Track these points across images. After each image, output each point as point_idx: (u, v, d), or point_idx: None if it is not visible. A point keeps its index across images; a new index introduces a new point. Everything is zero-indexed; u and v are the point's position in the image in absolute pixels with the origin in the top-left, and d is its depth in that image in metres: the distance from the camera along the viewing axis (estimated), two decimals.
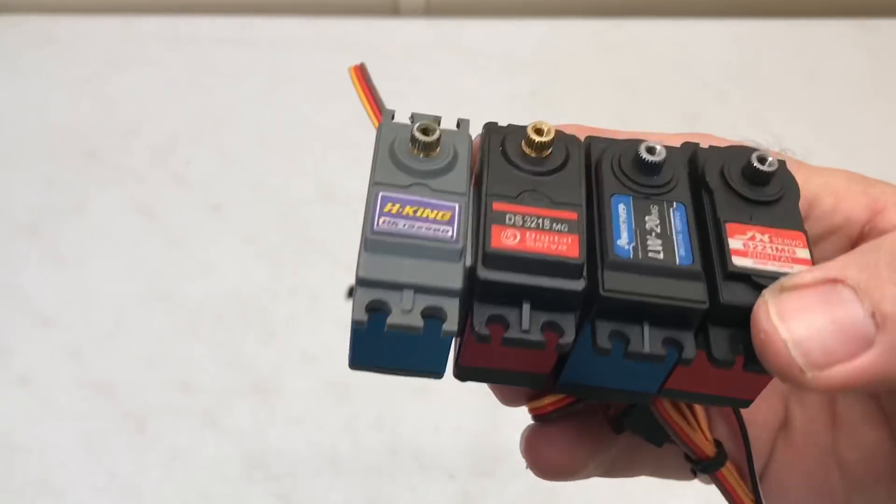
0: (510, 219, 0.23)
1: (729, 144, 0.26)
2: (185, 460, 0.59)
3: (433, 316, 0.22)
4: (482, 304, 0.22)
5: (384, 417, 0.60)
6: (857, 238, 0.27)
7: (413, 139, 0.25)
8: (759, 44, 0.79)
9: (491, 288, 0.22)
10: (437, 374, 0.24)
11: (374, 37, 0.77)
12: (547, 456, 0.27)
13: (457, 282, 0.22)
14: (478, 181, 0.25)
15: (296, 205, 0.69)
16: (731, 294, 0.22)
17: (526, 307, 0.22)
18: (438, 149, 0.25)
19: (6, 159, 0.71)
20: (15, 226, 0.68)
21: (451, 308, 0.22)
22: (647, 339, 0.22)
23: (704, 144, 0.26)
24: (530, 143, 0.25)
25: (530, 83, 0.76)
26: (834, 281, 0.20)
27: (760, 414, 0.29)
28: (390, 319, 0.22)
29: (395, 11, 0.81)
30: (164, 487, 0.58)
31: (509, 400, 0.29)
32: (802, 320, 0.20)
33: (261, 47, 0.77)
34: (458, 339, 0.25)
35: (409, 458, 0.59)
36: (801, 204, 0.25)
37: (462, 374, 0.25)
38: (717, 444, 0.28)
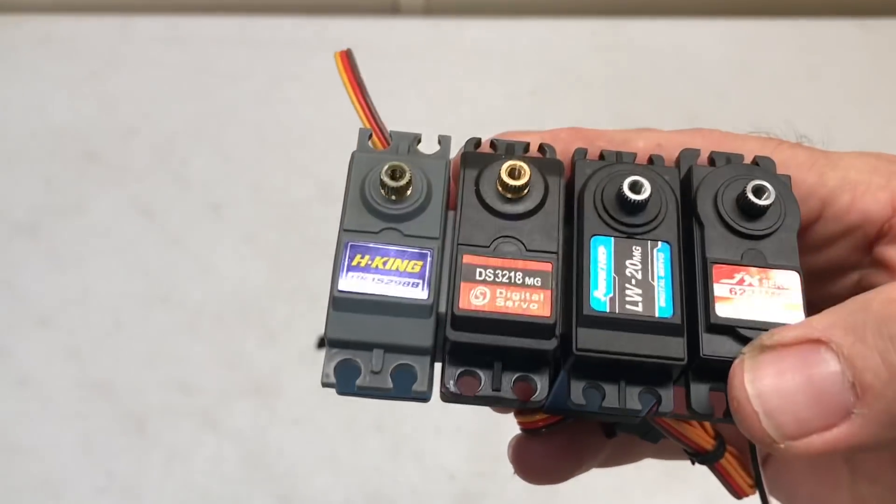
0: (480, 273, 0.22)
1: (737, 138, 0.25)
2: (185, 460, 0.59)
3: (404, 373, 0.22)
4: (453, 362, 0.22)
5: (384, 417, 0.60)
6: (876, 236, 0.26)
7: (382, 184, 0.24)
8: (759, 44, 0.79)
9: (461, 348, 0.22)
10: (424, 399, 0.24)
11: (374, 37, 0.77)
12: (535, 464, 0.27)
13: (427, 340, 0.22)
14: (454, 206, 0.24)
15: (296, 205, 0.69)
16: (713, 347, 0.22)
17: (497, 366, 0.22)
18: (409, 191, 0.24)
19: (6, 159, 0.71)
20: (15, 226, 0.68)
21: (422, 367, 0.22)
22: (624, 396, 0.22)
23: (708, 143, 0.26)
24: (504, 186, 0.24)
25: (530, 83, 0.76)
26: (817, 342, 0.19)
27: None
28: (359, 381, 0.22)
29: (395, 11, 0.81)
30: (164, 487, 0.58)
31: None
32: (777, 388, 0.19)
33: (261, 47, 0.77)
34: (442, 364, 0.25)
35: (409, 458, 0.59)
36: (815, 203, 0.24)
37: (447, 397, 0.24)
38: (717, 435, 0.28)
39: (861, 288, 0.28)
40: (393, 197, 0.24)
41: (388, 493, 0.58)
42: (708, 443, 0.27)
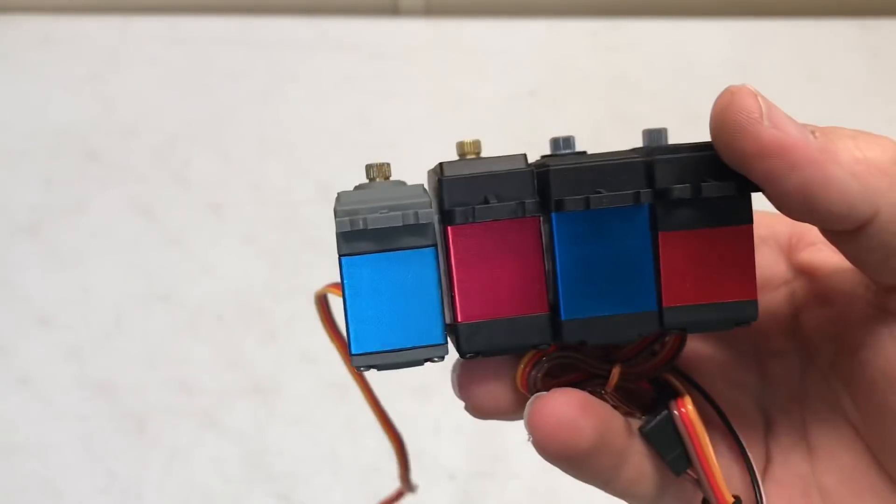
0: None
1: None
2: (185, 460, 0.59)
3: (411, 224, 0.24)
4: (450, 199, 0.24)
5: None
6: (789, 248, 0.29)
7: None
8: (759, 44, 0.79)
9: (454, 184, 0.25)
10: (438, 345, 0.25)
11: (374, 37, 0.77)
12: (550, 424, 0.25)
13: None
14: None
15: (296, 205, 0.69)
16: (663, 154, 0.25)
17: (491, 193, 0.25)
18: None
19: (6, 159, 0.71)
20: (15, 226, 0.68)
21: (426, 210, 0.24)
22: (607, 195, 0.24)
23: None
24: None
25: (530, 83, 0.76)
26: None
27: (752, 454, 0.28)
28: (371, 216, 0.23)
29: (395, 11, 0.81)
30: (164, 487, 0.58)
31: (484, 407, 0.28)
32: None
33: (261, 47, 0.77)
34: (449, 297, 0.25)
35: (409, 458, 0.59)
36: None
37: (467, 340, 0.25)
38: (736, 498, 0.27)
39: (795, 300, 0.29)
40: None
41: (388, 493, 0.58)
42: (729, 496, 0.27)
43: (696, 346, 0.30)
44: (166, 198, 0.69)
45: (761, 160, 0.23)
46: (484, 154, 0.27)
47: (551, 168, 0.25)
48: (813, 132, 0.23)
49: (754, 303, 0.25)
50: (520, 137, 0.73)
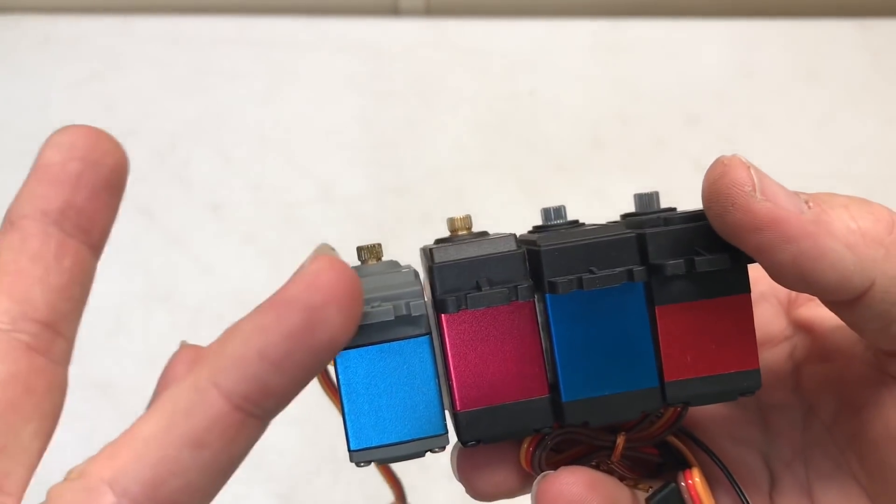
0: (447, 242, 0.26)
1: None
2: None
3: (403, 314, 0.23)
4: (442, 286, 0.24)
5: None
6: (788, 305, 0.29)
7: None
8: (759, 44, 0.79)
9: (444, 270, 0.24)
10: (439, 435, 0.24)
11: (374, 37, 0.77)
12: (561, 491, 0.25)
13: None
14: None
15: (296, 205, 0.69)
16: (652, 228, 0.25)
17: (483, 279, 0.24)
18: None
19: (6, 159, 0.71)
20: None
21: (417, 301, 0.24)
22: (598, 272, 0.24)
23: None
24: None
25: (530, 83, 0.76)
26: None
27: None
28: (366, 309, 0.23)
29: (395, 11, 0.81)
30: None
31: (485, 492, 0.28)
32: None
33: (261, 47, 0.77)
34: (447, 384, 0.25)
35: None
36: None
37: (467, 429, 0.25)
38: None
39: (796, 356, 0.29)
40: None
41: (388, 493, 0.58)
42: None
43: None
44: (166, 198, 0.69)
45: (754, 234, 0.22)
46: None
47: (542, 249, 0.24)
48: (806, 202, 0.23)
49: (757, 372, 0.25)
50: (520, 137, 0.73)
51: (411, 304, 0.23)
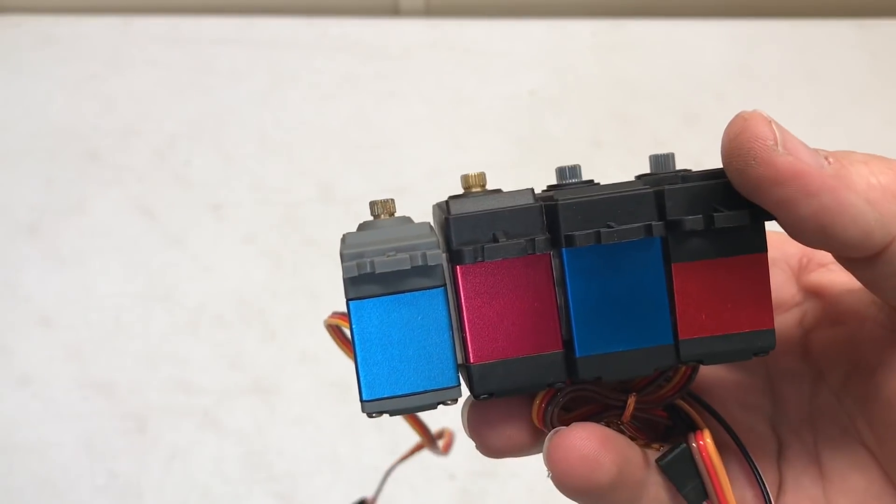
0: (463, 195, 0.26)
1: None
2: (185, 460, 0.59)
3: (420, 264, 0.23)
4: (458, 237, 0.24)
5: (384, 417, 0.60)
6: (799, 269, 0.29)
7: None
8: (759, 44, 0.79)
9: (461, 222, 0.24)
10: (451, 387, 0.24)
11: (374, 37, 0.77)
12: (571, 459, 0.25)
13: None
14: None
15: (296, 205, 0.69)
16: (673, 184, 0.25)
17: (499, 230, 0.24)
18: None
19: (6, 159, 0.71)
20: (15, 226, 0.68)
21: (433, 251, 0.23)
22: (615, 226, 0.23)
23: None
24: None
25: (530, 83, 0.76)
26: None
27: (766, 478, 0.28)
28: (378, 260, 0.23)
29: (395, 11, 0.81)
30: (165, 487, 0.58)
31: (496, 447, 0.27)
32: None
33: (261, 47, 0.77)
34: (460, 337, 0.25)
35: (408, 458, 0.59)
36: None
37: (480, 382, 0.25)
38: None
39: (806, 322, 0.29)
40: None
41: (388, 493, 0.58)
42: None
43: (708, 369, 0.30)
44: (166, 198, 0.69)
45: (776, 187, 0.22)
46: (490, 168, 0.27)
47: (560, 202, 0.24)
48: (826, 157, 0.23)
49: (771, 332, 0.25)
50: (520, 137, 0.73)
51: (428, 254, 0.23)
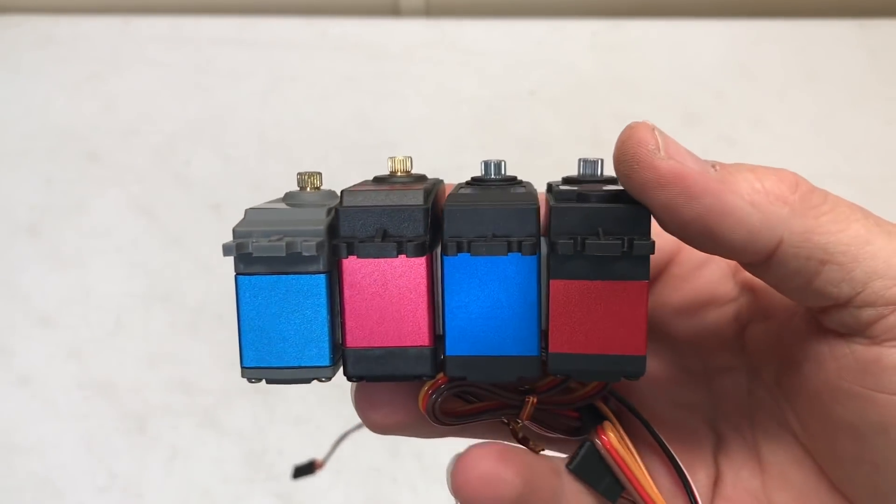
0: (365, 189, 0.26)
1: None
2: (185, 460, 0.59)
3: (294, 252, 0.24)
4: (343, 229, 0.25)
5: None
6: (736, 266, 0.29)
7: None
8: (759, 44, 0.79)
9: (347, 214, 0.25)
10: (324, 367, 0.25)
11: (374, 37, 0.77)
12: (472, 480, 0.25)
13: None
14: None
15: None
16: (560, 202, 0.25)
17: (380, 229, 0.25)
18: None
19: (6, 159, 0.71)
20: (15, 226, 0.68)
21: (314, 241, 0.24)
22: (490, 238, 0.24)
23: None
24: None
25: (530, 83, 0.76)
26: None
27: (698, 471, 0.29)
28: (255, 244, 0.24)
29: (395, 11, 0.81)
30: (165, 486, 0.58)
31: (379, 425, 0.28)
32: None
33: (261, 47, 0.77)
34: (341, 325, 0.26)
35: (409, 458, 0.59)
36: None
37: (353, 365, 0.26)
38: None
39: (741, 317, 0.29)
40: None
41: (388, 493, 0.58)
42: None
43: None
44: (166, 198, 0.69)
45: (659, 190, 0.23)
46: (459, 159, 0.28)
47: (446, 208, 0.25)
48: (714, 165, 0.23)
49: (642, 359, 0.25)
50: (520, 137, 0.73)
51: (303, 244, 0.24)
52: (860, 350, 0.24)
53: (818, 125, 0.74)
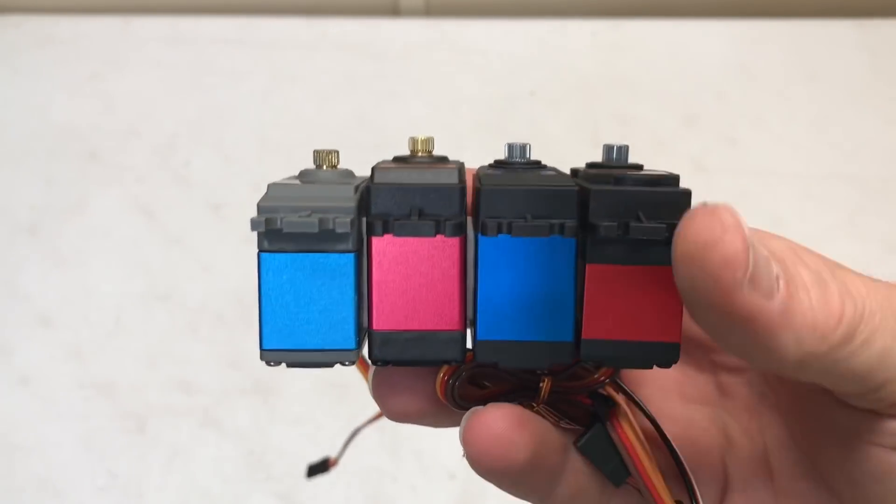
0: (394, 167, 0.25)
1: None
2: (185, 460, 0.59)
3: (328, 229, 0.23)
4: (376, 207, 0.24)
5: (384, 417, 0.60)
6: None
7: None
8: (759, 44, 0.79)
9: (381, 192, 0.24)
10: (348, 350, 0.24)
11: (374, 37, 0.77)
12: (485, 438, 0.25)
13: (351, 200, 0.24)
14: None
15: None
16: (599, 186, 0.24)
17: (415, 207, 0.24)
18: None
19: (6, 159, 0.71)
20: (15, 226, 0.68)
21: (346, 218, 0.23)
22: (530, 220, 0.23)
23: None
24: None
25: (530, 83, 0.76)
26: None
27: (705, 474, 0.28)
28: (287, 219, 0.23)
29: (395, 11, 0.81)
30: (165, 486, 0.58)
31: (398, 407, 0.28)
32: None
33: (261, 47, 0.77)
34: (367, 301, 0.25)
35: (409, 458, 0.59)
36: None
37: (379, 348, 0.25)
38: (678, 503, 0.27)
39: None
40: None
41: (388, 492, 0.58)
42: (670, 500, 0.26)
43: None
44: (166, 198, 0.69)
45: (723, 325, 0.20)
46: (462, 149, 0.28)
47: (482, 188, 0.24)
48: (777, 277, 0.20)
49: (676, 346, 0.24)
50: (520, 137, 0.73)
51: (337, 220, 0.23)
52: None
53: (818, 125, 0.74)
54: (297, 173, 0.27)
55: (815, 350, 0.20)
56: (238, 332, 0.63)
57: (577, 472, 0.26)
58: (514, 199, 0.24)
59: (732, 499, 0.28)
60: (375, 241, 0.24)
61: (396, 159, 0.27)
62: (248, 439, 0.60)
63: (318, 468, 0.44)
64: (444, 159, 0.28)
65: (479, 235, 0.24)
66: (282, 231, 0.23)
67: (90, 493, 0.58)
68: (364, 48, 0.77)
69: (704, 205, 0.19)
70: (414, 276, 0.24)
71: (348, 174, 0.27)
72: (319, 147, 0.29)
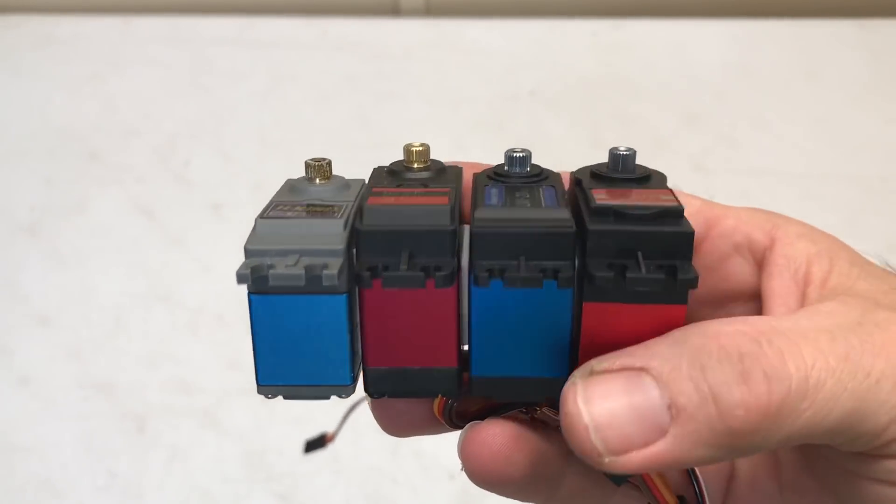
0: (386, 194, 0.25)
1: None
2: (185, 460, 0.59)
3: (316, 274, 0.23)
4: (365, 253, 0.23)
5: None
6: (760, 264, 0.27)
7: (307, 167, 0.27)
8: (759, 44, 0.79)
9: (370, 238, 0.23)
10: (344, 385, 0.24)
11: (374, 37, 0.77)
12: (482, 455, 0.25)
13: (339, 243, 0.23)
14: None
15: None
16: (597, 223, 0.23)
17: (405, 254, 0.23)
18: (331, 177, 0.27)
19: (6, 159, 0.71)
20: (15, 226, 0.68)
21: (336, 261, 0.23)
22: (523, 268, 0.23)
23: None
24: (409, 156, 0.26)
25: (530, 83, 0.76)
26: (639, 370, 0.21)
27: (709, 466, 0.28)
28: (273, 273, 0.23)
29: (395, 11, 0.81)
30: (165, 487, 0.58)
31: (395, 425, 0.28)
32: (605, 406, 0.21)
33: (261, 47, 0.77)
34: (361, 341, 0.25)
35: (409, 458, 0.59)
36: (700, 223, 0.26)
37: (374, 383, 0.25)
38: (681, 498, 0.27)
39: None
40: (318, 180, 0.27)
41: (388, 493, 0.58)
42: (672, 499, 0.26)
43: None
44: (166, 198, 0.69)
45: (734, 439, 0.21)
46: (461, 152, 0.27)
47: (474, 232, 0.23)
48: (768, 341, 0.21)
49: None
50: (520, 137, 0.73)
51: (324, 273, 0.23)
52: None
53: (818, 125, 0.74)
54: (295, 177, 0.27)
55: (734, 445, 0.21)
56: (238, 332, 0.63)
57: (578, 474, 0.27)
58: (507, 242, 0.23)
59: (738, 490, 0.28)
60: (366, 292, 0.23)
61: (391, 172, 0.27)
62: (248, 439, 0.60)
63: (316, 443, 0.44)
64: (441, 169, 0.27)
65: (472, 286, 0.24)
66: (269, 283, 0.23)
67: (90, 493, 0.58)
68: (364, 48, 0.77)
69: (574, 384, 0.22)
70: (406, 321, 0.24)
71: (342, 187, 0.26)
72: (319, 147, 0.28)
